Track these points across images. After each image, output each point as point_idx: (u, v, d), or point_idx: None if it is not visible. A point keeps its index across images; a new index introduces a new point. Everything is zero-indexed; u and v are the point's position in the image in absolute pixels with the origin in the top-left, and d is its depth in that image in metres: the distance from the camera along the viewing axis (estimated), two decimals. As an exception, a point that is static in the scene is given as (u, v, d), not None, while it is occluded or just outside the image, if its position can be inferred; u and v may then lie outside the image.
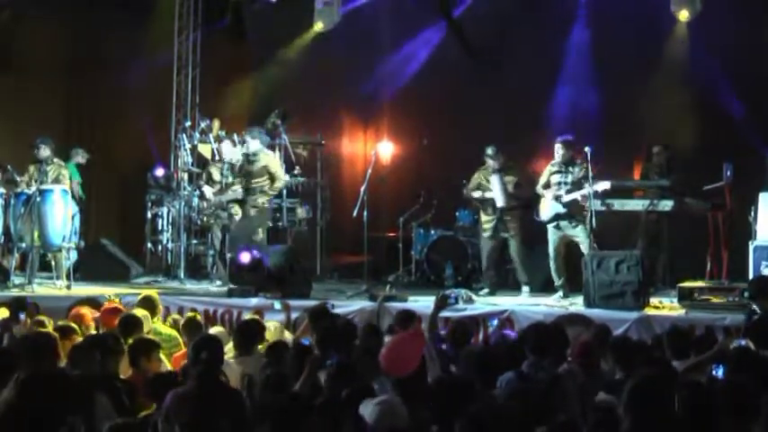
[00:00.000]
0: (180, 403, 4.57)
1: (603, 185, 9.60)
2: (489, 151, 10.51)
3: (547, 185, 10.07)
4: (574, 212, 9.82)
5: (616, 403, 4.63)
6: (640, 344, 6.74)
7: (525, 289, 10.42)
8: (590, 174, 9.60)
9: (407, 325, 7.58)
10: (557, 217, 9.92)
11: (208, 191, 11.23)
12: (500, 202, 10.40)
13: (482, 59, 13.09)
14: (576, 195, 9.73)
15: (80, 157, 12.46)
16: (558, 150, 9.98)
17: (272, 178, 10.78)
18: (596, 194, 9.58)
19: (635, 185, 10.99)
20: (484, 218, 10.66)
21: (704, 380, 5.15)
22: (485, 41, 13.09)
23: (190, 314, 8.49)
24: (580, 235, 9.82)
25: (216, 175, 11.35)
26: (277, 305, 8.93)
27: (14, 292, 9.89)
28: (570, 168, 9.91)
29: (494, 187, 10.46)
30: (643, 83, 12.04)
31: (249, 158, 10.82)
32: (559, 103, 12.14)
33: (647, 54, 12.06)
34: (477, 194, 10.70)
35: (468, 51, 13.25)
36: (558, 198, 9.85)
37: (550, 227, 9.99)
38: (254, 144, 10.81)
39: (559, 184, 9.92)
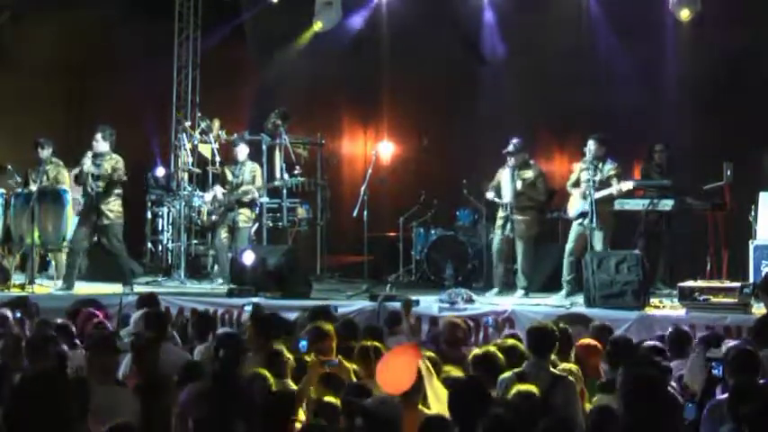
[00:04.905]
0: (196, 399, 4.56)
1: (627, 185, 9.63)
2: (510, 147, 10.18)
3: (576, 183, 10.02)
4: (599, 212, 9.61)
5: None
6: (639, 343, 6.72)
7: (520, 293, 10.14)
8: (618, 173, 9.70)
9: (395, 326, 7.65)
10: (582, 215, 9.81)
11: (219, 191, 11.15)
12: (507, 198, 10.18)
13: (484, 61, 13.13)
14: (605, 193, 9.64)
15: None
16: (591, 147, 9.84)
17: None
18: (620, 194, 9.64)
19: (635, 185, 10.97)
20: (498, 214, 10.36)
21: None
22: (488, 46, 13.13)
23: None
24: (596, 236, 9.71)
25: (229, 176, 11.23)
26: (247, 308, 8.49)
27: (15, 292, 9.90)
28: (600, 166, 9.80)
29: (503, 182, 10.25)
30: (643, 83, 12.04)
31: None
32: (560, 103, 12.13)
33: (648, 54, 12.05)
34: (490, 195, 10.41)
35: (479, 60, 13.27)
36: (585, 196, 9.72)
37: (575, 224, 9.92)
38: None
39: (588, 181, 9.74)
